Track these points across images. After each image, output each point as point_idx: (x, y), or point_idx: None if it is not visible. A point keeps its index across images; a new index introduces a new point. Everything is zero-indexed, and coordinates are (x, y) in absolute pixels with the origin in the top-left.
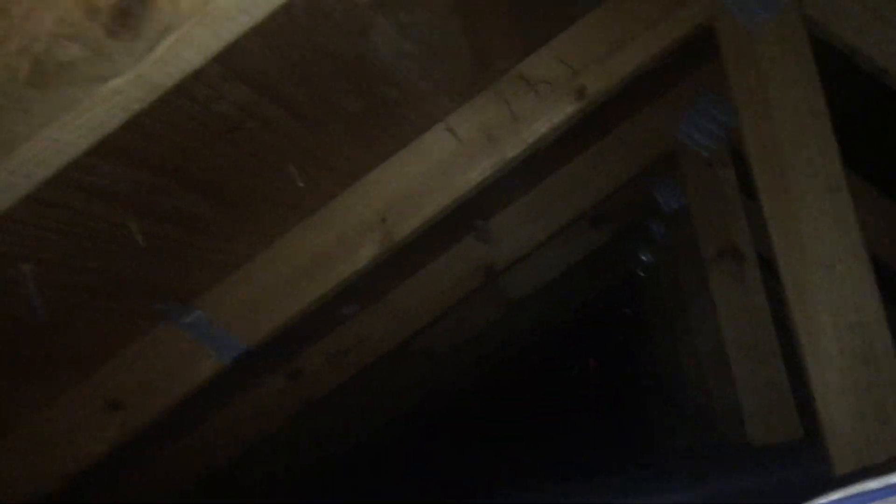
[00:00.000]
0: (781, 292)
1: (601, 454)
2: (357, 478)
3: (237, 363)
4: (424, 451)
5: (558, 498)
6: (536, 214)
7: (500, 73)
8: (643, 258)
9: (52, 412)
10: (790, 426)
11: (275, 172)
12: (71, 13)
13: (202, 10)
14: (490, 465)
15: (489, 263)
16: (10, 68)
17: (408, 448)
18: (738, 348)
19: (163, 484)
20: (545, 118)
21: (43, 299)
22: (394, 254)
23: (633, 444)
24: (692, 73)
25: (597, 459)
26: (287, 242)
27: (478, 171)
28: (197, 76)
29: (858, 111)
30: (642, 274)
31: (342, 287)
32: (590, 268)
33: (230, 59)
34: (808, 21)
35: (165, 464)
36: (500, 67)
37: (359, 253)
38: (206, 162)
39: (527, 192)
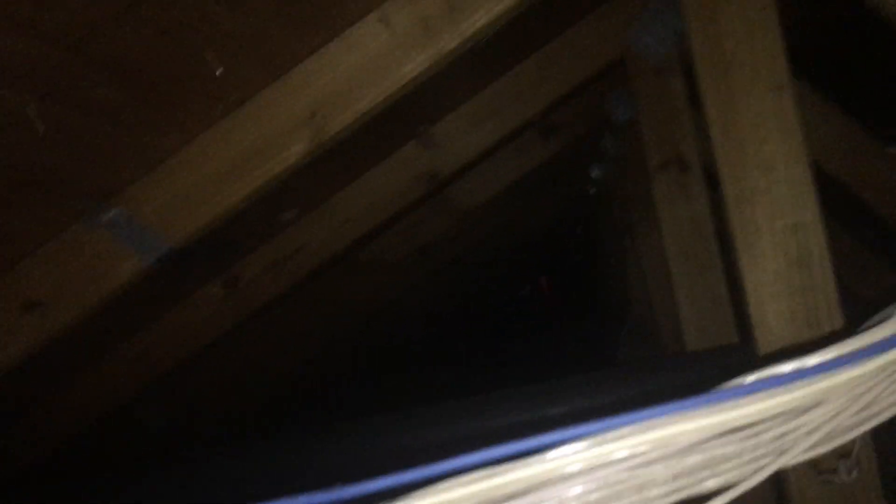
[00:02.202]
0: (721, 198)
1: (550, 369)
2: (303, 396)
3: (166, 266)
4: (372, 368)
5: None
6: (482, 120)
7: None
8: (594, 172)
9: None
10: (727, 332)
11: (192, 57)
12: None
13: None
14: (440, 381)
15: (433, 170)
16: None
17: (355, 366)
18: (679, 258)
19: (95, 400)
20: (484, 9)
21: None
22: (332, 156)
23: (580, 358)
24: None
25: (543, 375)
26: (211, 137)
27: (413, 65)
28: None
29: (812, 18)
30: (593, 188)
31: (270, 186)
32: (541, 181)
33: None
34: None
35: (97, 378)
36: None
37: (288, 149)
38: (113, 37)
39: (472, 96)
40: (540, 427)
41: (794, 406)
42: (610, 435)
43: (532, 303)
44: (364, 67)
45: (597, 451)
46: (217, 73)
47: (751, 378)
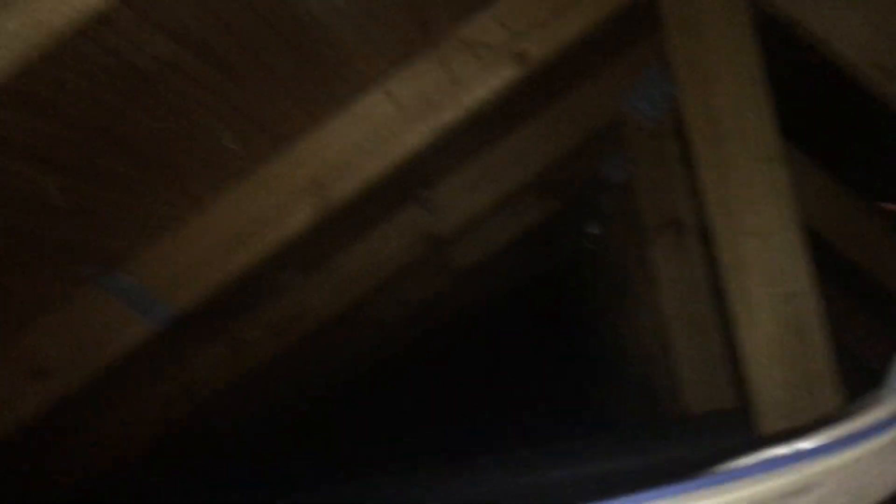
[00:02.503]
0: (717, 265)
1: (545, 426)
2: (304, 450)
3: (173, 330)
4: (372, 424)
5: (483, 472)
6: (480, 184)
7: (440, 36)
8: (590, 231)
9: None
10: (725, 395)
11: (203, 132)
12: None
13: None
14: (436, 436)
15: (433, 232)
16: None
17: (357, 421)
18: (677, 319)
19: (101, 456)
20: (485, 83)
21: None
22: (335, 220)
23: (576, 416)
24: (639, 43)
25: (540, 431)
26: (220, 206)
27: (416, 136)
28: (107, 22)
29: (798, 83)
30: (589, 246)
31: (276, 253)
32: (537, 240)
33: (145, 7)
34: None
35: (103, 434)
36: (439, 30)
37: (293, 218)
38: (128, 118)
39: (471, 161)
40: (545, 492)
41: (790, 489)
42: None
43: (527, 358)
44: (368, 138)
45: None
46: (228, 145)
47: (748, 461)
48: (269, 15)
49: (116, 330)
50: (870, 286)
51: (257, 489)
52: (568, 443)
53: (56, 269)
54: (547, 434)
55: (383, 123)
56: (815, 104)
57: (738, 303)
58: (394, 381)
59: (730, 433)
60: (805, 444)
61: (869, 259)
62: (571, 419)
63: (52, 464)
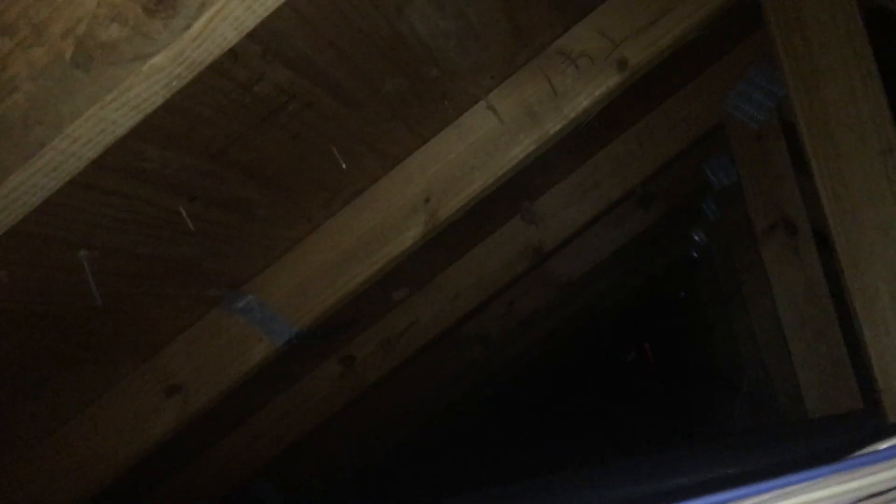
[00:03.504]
0: (836, 263)
1: (657, 439)
2: (413, 467)
3: (290, 347)
4: (480, 439)
5: (600, 479)
6: (583, 194)
7: (540, 48)
8: (696, 238)
9: (112, 398)
10: (849, 397)
11: (318, 155)
12: None
13: None
14: (544, 453)
15: (537, 245)
16: (55, 51)
17: (464, 436)
18: (794, 322)
19: (219, 476)
20: (586, 92)
21: (100, 285)
22: (441, 236)
23: (690, 427)
24: (741, 43)
25: (652, 444)
26: (333, 225)
27: (520, 149)
28: (236, 56)
29: None
30: (695, 254)
31: (389, 268)
32: (641, 249)
33: (268, 40)
34: None
35: (222, 455)
36: (539, 42)
37: (404, 234)
38: (250, 145)
39: (573, 171)
40: (665, 498)
41: None
42: (752, 501)
43: (636, 371)
44: (473, 153)
45: None
46: (341, 166)
47: (885, 444)
48: (379, 40)
49: (243, 348)
50: None
51: None
52: (686, 450)
53: (188, 292)
54: (660, 446)
55: (488, 138)
56: None
57: (860, 301)
58: (502, 394)
59: (855, 434)
60: None
61: None
62: (686, 430)
63: (181, 482)
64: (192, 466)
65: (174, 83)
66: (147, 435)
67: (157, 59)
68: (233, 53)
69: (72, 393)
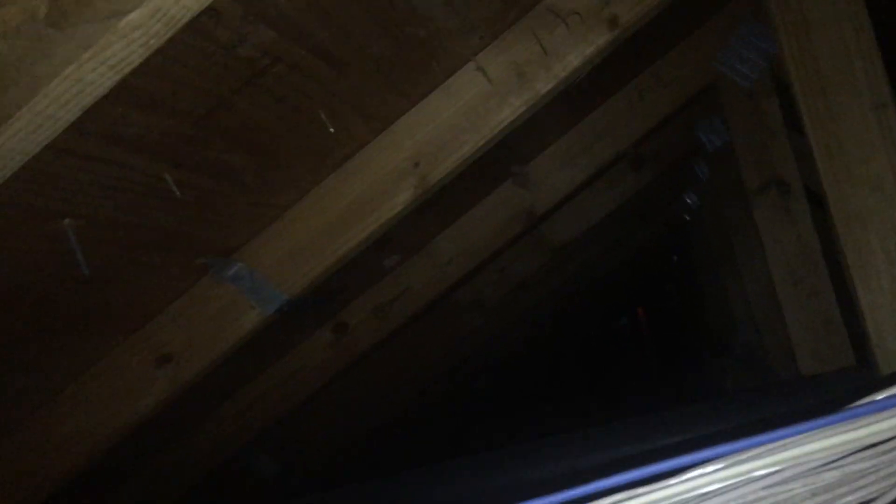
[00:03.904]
0: (829, 221)
1: (650, 402)
2: (409, 435)
3: (282, 315)
4: (474, 406)
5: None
6: (575, 156)
7: (529, 6)
8: (688, 200)
9: (103, 369)
10: (842, 356)
11: (305, 119)
12: None
13: None
14: (538, 418)
15: (529, 208)
16: (27, 9)
17: (462, 401)
18: (787, 282)
19: (213, 447)
20: (577, 51)
21: (86, 255)
22: (432, 201)
23: (683, 390)
24: (732, 0)
25: (644, 407)
26: (322, 192)
27: (510, 110)
28: (217, 16)
29: None
30: (687, 217)
31: (379, 234)
32: (633, 213)
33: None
34: None
35: (214, 426)
36: (528, 1)
37: (394, 199)
38: (235, 109)
39: (564, 134)
40: (655, 456)
41: None
42: (747, 454)
43: (629, 335)
44: (463, 115)
45: (735, 469)
46: (328, 131)
47: (882, 395)
48: (365, 0)
49: (233, 316)
50: None
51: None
52: (677, 410)
53: (176, 261)
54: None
55: (477, 99)
56: None
57: (853, 258)
58: (499, 360)
59: (849, 388)
60: None
61: None
62: (678, 393)
63: (173, 455)
64: (185, 438)
65: (152, 41)
66: (138, 405)
67: (133, 16)
68: (213, 12)
69: (60, 366)
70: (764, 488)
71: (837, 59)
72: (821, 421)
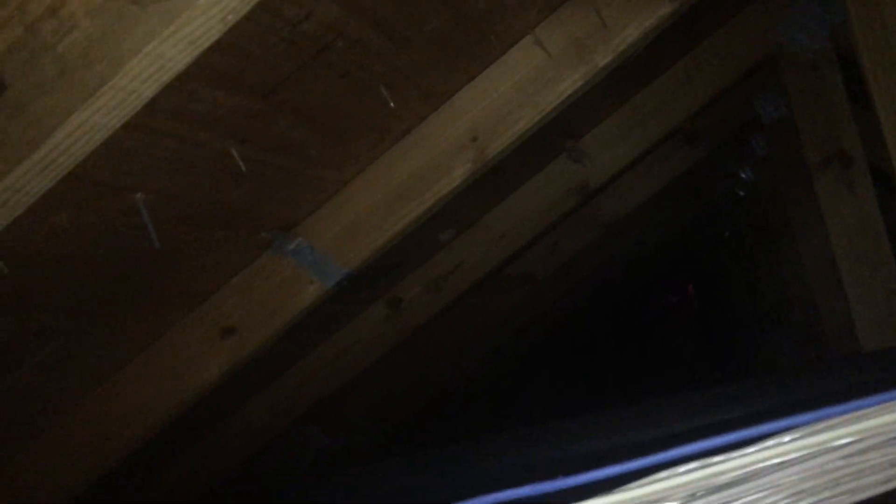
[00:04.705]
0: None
1: (701, 379)
2: (459, 409)
3: (340, 289)
4: (527, 379)
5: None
6: (630, 130)
7: None
8: (742, 176)
9: (168, 342)
10: None
11: (366, 94)
12: None
13: None
14: (588, 393)
15: (583, 183)
16: None
17: (511, 377)
18: (848, 257)
19: (266, 422)
20: (636, 23)
21: (156, 230)
22: (487, 176)
23: (736, 367)
24: None
25: (701, 380)
26: (381, 166)
27: (568, 84)
28: None
29: None
30: (741, 193)
31: (437, 208)
32: (686, 189)
33: None
34: None
35: (268, 401)
36: None
37: (452, 172)
38: (299, 85)
39: (619, 108)
40: (705, 433)
41: None
42: (825, 424)
43: (679, 313)
44: (521, 89)
45: (813, 439)
46: (391, 105)
47: None
48: None
49: (294, 290)
50: None
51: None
52: (743, 384)
53: (239, 235)
54: (708, 382)
55: (535, 73)
56: None
57: None
58: (546, 337)
59: None
60: None
61: None
62: (733, 367)
63: (229, 429)
64: (241, 413)
65: (230, 17)
66: (202, 377)
67: None
68: None
69: (127, 340)
70: (842, 458)
71: None
72: (882, 397)
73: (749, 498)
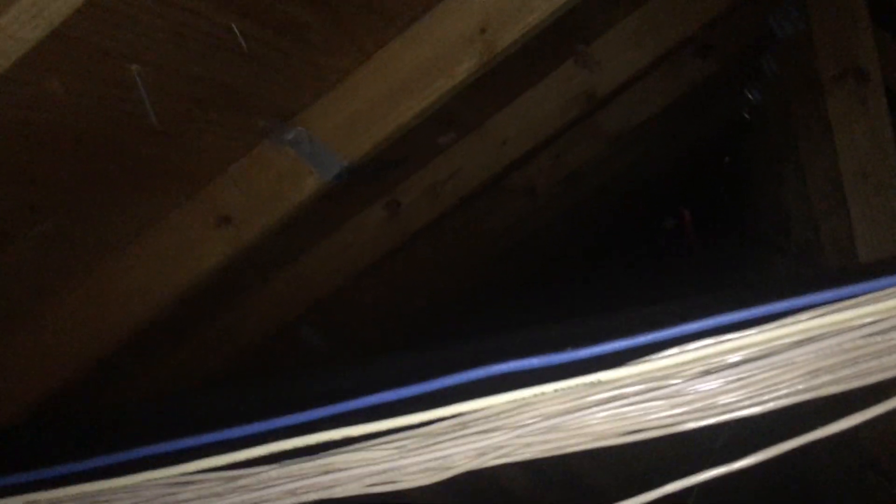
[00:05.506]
0: None
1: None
2: (454, 319)
3: (337, 185)
4: (519, 296)
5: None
6: (641, 37)
7: None
8: (750, 96)
9: (165, 227)
10: None
11: None
12: None
13: None
14: (590, 300)
15: (590, 90)
16: None
17: (504, 293)
18: (855, 174)
19: (262, 319)
20: None
21: (151, 106)
22: (491, 77)
23: (737, 280)
24: None
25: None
26: (385, 56)
27: None
28: None
29: None
30: (747, 115)
31: (442, 102)
32: (692, 106)
33: None
34: None
35: (265, 298)
36: None
37: (459, 66)
38: None
39: (632, 13)
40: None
41: None
42: (846, 303)
43: (676, 237)
44: None
45: (833, 318)
46: None
47: None
48: None
49: (292, 181)
50: None
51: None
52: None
53: (238, 120)
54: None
55: None
56: None
57: None
58: (540, 257)
59: None
60: None
61: None
62: (733, 282)
63: (225, 324)
64: (236, 309)
65: None
66: (199, 265)
67: None
68: None
69: (123, 220)
70: (863, 337)
71: None
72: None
73: (763, 375)
